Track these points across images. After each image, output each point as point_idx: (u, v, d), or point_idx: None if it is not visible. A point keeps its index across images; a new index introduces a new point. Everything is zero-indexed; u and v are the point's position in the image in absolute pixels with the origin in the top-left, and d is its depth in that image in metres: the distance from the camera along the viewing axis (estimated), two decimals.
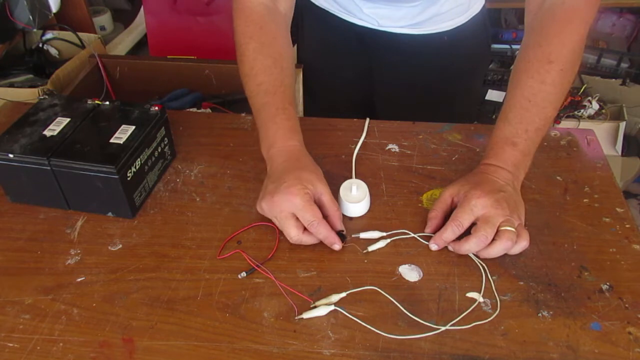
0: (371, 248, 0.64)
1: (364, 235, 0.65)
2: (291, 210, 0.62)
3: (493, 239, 0.59)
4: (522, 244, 0.61)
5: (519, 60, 0.68)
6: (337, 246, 0.63)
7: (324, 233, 0.62)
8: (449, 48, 0.92)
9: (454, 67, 0.97)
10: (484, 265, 0.61)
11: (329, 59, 1.03)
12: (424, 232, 0.66)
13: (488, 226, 0.59)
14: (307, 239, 0.63)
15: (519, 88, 0.66)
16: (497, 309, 0.57)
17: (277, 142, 0.68)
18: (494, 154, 0.66)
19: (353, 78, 1.03)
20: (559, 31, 0.66)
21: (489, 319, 0.56)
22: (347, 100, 1.09)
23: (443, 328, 0.55)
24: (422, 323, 0.55)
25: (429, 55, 0.93)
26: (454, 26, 0.90)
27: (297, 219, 0.62)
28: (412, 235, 0.66)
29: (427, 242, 0.64)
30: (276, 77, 0.71)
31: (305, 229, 0.62)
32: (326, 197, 0.64)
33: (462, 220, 0.61)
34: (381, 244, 0.64)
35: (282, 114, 0.69)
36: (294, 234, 0.62)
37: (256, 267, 0.61)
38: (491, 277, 0.60)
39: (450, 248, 0.63)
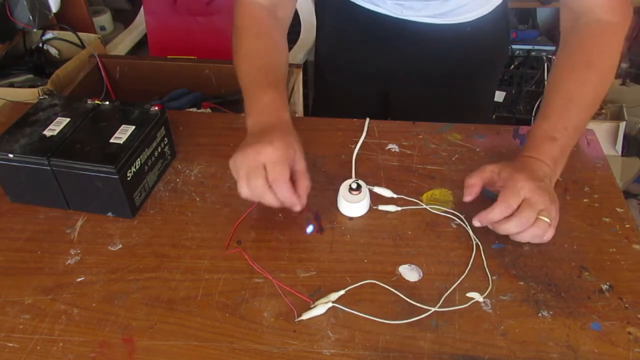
0: (382, 207, 0.68)
1: (377, 190, 0.70)
2: (264, 161, 0.60)
3: None
4: (547, 236, 0.62)
5: (558, 67, 0.71)
6: (298, 207, 0.62)
7: (285, 194, 0.61)
8: (471, 39, 0.92)
9: (475, 58, 0.96)
10: (479, 243, 0.64)
11: (348, 50, 1.02)
12: (435, 206, 0.69)
13: (531, 210, 0.59)
14: (269, 197, 0.61)
15: (558, 90, 0.68)
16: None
17: (267, 111, 0.67)
18: (533, 146, 0.66)
19: (371, 70, 1.01)
20: (597, 43, 0.69)
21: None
22: (361, 94, 1.07)
23: (432, 309, 0.56)
24: (420, 309, 0.56)
25: (451, 46, 0.93)
26: (477, 17, 0.90)
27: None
28: (424, 206, 0.69)
29: (435, 212, 0.68)
30: (269, 60, 0.73)
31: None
32: (300, 167, 0.63)
33: (511, 201, 0.60)
34: (391, 208, 0.68)
35: (275, 89, 0.69)
36: (260, 183, 0.60)
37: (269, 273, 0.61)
38: (491, 277, 0.60)
39: (490, 227, 0.63)
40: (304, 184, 0.63)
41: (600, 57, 0.69)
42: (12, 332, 0.56)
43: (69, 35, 1.41)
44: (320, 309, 0.56)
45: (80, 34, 1.41)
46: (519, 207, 0.60)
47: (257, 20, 0.77)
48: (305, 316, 0.56)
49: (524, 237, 0.61)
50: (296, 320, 0.56)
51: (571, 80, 0.68)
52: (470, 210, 0.67)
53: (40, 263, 0.63)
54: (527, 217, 0.59)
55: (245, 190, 0.62)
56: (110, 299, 0.59)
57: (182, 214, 0.69)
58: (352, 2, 0.93)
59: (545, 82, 1.94)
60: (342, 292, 0.58)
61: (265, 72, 0.71)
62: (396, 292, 0.59)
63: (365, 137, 0.81)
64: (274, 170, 0.60)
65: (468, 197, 0.65)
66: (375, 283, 0.60)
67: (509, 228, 0.60)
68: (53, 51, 1.42)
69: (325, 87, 1.11)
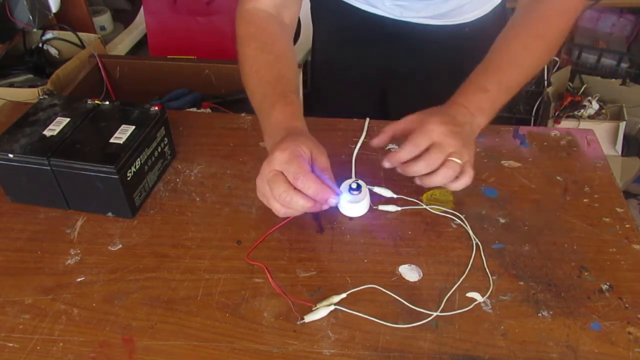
0: (382, 207, 0.68)
1: (377, 190, 0.69)
2: (277, 167, 0.57)
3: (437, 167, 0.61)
4: (465, 180, 0.62)
5: (507, 31, 0.73)
6: (333, 200, 0.58)
7: (313, 187, 0.56)
8: (470, 40, 0.91)
9: (474, 59, 0.96)
10: (479, 243, 0.63)
11: (345, 54, 1.01)
12: (435, 206, 0.69)
13: (439, 151, 0.60)
14: (299, 200, 0.57)
15: (502, 51, 0.71)
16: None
17: (278, 128, 0.64)
18: (463, 93, 0.67)
19: (369, 72, 1.00)
20: (548, 17, 0.72)
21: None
22: (359, 96, 1.06)
23: (434, 314, 0.56)
24: (420, 313, 0.56)
25: (450, 47, 0.92)
26: (476, 17, 0.90)
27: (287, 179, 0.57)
28: (424, 206, 0.69)
29: (435, 212, 0.68)
30: (278, 72, 0.71)
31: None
32: (320, 164, 0.60)
33: (418, 141, 0.61)
34: (391, 208, 0.68)
35: (283, 100, 0.67)
36: (282, 188, 0.56)
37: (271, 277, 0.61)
38: (491, 276, 0.60)
39: (398, 170, 0.63)
40: (326, 172, 0.60)
41: (550, 30, 0.71)
42: (12, 332, 0.56)
43: (69, 35, 1.41)
44: (322, 311, 0.56)
45: (80, 34, 1.41)
46: (429, 150, 0.60)
47: (260, 29, 0.74)
48: (308, 319, 0.56)
49: (436, 180, 0.61)
50: (298, 322, 0.56)
51: (518, 44, 0.70)
52: (471, 210, 0.67)
53: (40, 263, 0.63)
54: (434, 159, 0.60)
55: (276, 205, 0.58)
56: (110, 299, 0.59)
57: (182, 214, 0.69)
58: (349, 4, 0.93)
59: (545, 82, 1.95)
60: (344, 295, 0.58)
61: (273, 86, 0.69)
62: (397, 297, 0.58)
63: (365, 137, 0.81)
64: (289, 170, 0.57)
65: (375, 141, 0.67)
66: (376, 286, 0.60)
67: (418, 169, 0.61)
68: (53, 51, 1.42)
69: (322, 89, 1.10)
